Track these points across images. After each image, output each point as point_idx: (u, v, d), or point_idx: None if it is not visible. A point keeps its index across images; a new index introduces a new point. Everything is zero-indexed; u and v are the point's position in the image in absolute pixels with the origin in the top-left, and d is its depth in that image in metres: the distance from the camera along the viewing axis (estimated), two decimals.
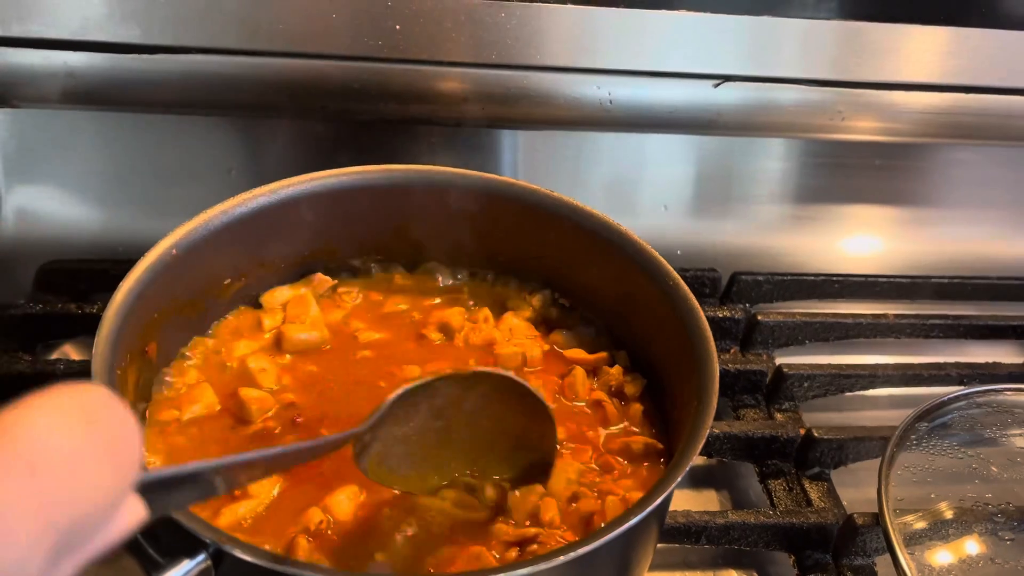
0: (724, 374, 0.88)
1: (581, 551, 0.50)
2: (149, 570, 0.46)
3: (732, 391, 0.89)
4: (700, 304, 0.94)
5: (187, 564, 0.48)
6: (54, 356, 0.84)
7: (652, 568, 0.76)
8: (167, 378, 0.66)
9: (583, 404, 0.70)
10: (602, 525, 0.58)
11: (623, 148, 1.03)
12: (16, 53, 0.81)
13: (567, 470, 0.63)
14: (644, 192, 1.06)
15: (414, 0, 0.80)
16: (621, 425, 0.68)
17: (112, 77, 0.84)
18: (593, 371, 0.73)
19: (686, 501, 0.85)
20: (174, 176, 0.96)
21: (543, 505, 0.61)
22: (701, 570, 0.78)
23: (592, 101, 0.89)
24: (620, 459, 0.65)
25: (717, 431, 0.81)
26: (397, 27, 0.81)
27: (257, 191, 0.70)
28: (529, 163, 1.02)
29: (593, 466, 0.65)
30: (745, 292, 0.98)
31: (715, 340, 0.92)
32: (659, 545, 0.75)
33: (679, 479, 0.54)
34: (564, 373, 0.72)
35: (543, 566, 0.50)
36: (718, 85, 0.88)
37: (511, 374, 0.60)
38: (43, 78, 0.84)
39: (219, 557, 0.48)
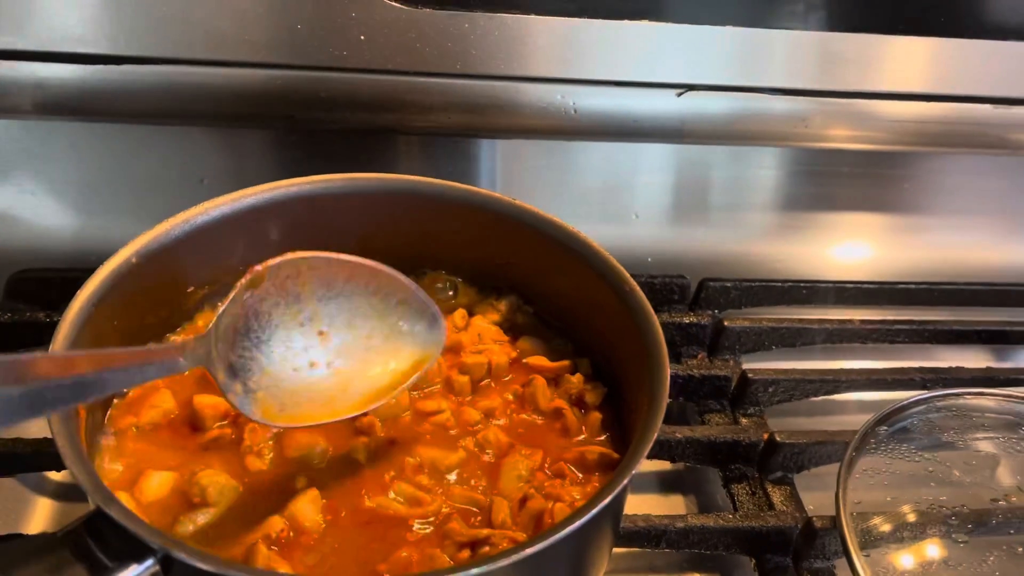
0: (690, 379, 0.89)
1: (531, 550, 0.51)
2: (95, 573, 0.47)
3: (698, 396, 0.89)
4: (669, 310, 0.96)
5: (134, 568, 0.48)
6: None
7: (617, 572, 0.77)
8: None
9: (542, 416, 0.71)
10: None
11: (596, 157, 1.04)
12: None
13: (518, 467, 0.65)
14: (616, 200, 1.07)
15: (379, 11, 0.81)
16: (578, 436, 0.69)
17: (82, 88, 0.85)
18: (555, 379, 0.73)
19: (653, 506, 0.85)
20: (146, 185, 0.97)
21: (495, 507, 0.61)
22: (667, 574, 0.79)
23: (557, 110, 0.90)
24: (573, 468, 0.66)
25: (681, 436, 0.82)
26: (362, 37, 0.82)
27: (219, 200, 0.71)
28: (504, 171, 1.03)
29: (545, 470, 0.66)
30: (713, 298, 0.99)
31: (683, 346, 0.94)
32: (623, 550, 0.76)
33: (627, 480, 0.55)
34: (526, 382, 0.72)
35: (493, 566, 0.51)
36: (681, 94, 0.89)
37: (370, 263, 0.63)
38: (13, 89, 0.85)
39: (167, 562, 0.49)
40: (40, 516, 0.77)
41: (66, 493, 0.79)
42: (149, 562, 0.49)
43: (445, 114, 0.88)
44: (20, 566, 0.46)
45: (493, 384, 0.73)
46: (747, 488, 0.81)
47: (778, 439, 0.81)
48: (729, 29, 0.87)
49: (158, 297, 0.70)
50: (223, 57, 0.82)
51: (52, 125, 0.93)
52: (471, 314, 0.78)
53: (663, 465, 0.87)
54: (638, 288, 0.68)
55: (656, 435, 0.56)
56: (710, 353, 0.95)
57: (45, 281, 0.90)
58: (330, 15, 0.81)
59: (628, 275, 0.69)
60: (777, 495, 0.80)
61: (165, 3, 0.80)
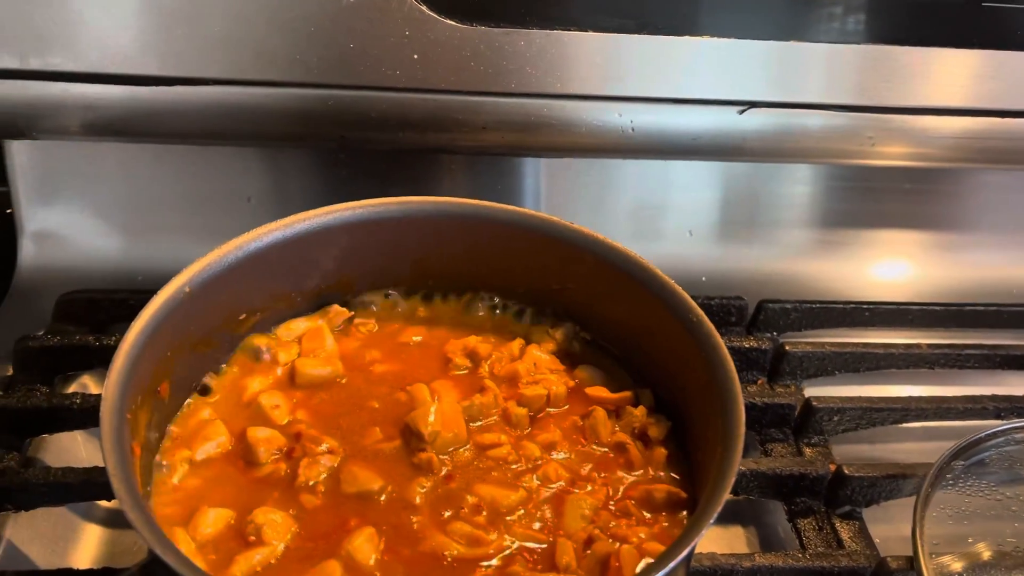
0: (751, 408, 0.86)
1: None
2: None
3: (759, 425, 0.86)
4: (726, 333, 0.93)
5: None
6: (72, 388, 0.84)
7: None
8: (179, 416, 0.66)
9: (605, 449, 0.68)
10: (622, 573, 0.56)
11: (647, 174, 1.01)
12: (36, 86, 0.81)
13: (581, 505, 0.62)
14: (669, 218, 1.04)
15: (433, 29, 0.79)
16: (641, 471, 0.66)
17: (131, 109, 0.84)
18: (616, 411, 0.71)
19: (712, 541, 0.82)
20: (193, 206, 0.96)
21: (559, 548, 0.59)
22: None
23: (614, 129, 0.87)
24: (639, 507, 0.63)
25: (744, 468, 0.78)
26: (415, 56, 0.80)
27: (271, 226, 0.69)
28: (552, 190, 1.01)
29: (610, 507, 0.63)
30: (772, 320, 0.96)
31: (741, 371, 0.91)
32: None
33: (704, 531, 0.52)
34: (585, 414, 0.70)
35: None
36: (743, 111, 0.86)
37: None
38: (63, 110, 0.84)
39: None
40: (89, 545, 0.76)
41: (115, 521, 0.78)
42: None
43: (498, 134, 0.86)
44: None
45: (551, 416, 0.70)
46: (814, 523, 0.78)
47: (847, 472, 0.78)
48: (793, 44, 0.84)
49: (209, 325, 0.68)
50: (274, 77, 0.81)
51: (100, 146, 0.92)
52: (528, 341, 0.76)
53: None
54: (705, 318, 0.65)
55: (733, 480, 0.54)
56: (770, 379, 0.91)
57: (93, 302, 0.89)
58: (383, 34, 0.79)
59: (694, 303, 0.66)
60: (846, 531, 0.77)
61: (216, 24, 0.78)
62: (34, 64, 0.79)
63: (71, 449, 0.79)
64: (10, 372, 0.83)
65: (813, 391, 0.89)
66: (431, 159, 0.97)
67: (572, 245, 0.73)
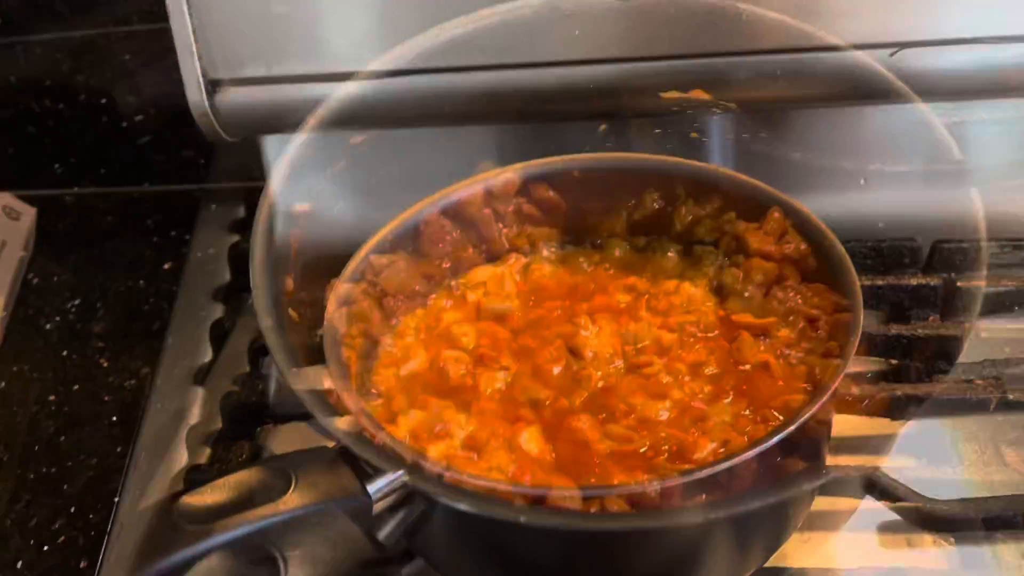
0: None
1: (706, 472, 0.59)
2: (358, 475, 0.60)
3: None
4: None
5: (389, 476, 0.61)
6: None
7: None
8: (389, 341, 0.82)
9: (749, 368, 0.75)
10: None
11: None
12: (278, 89, 1.01)
13: (722, 414, 0.70)
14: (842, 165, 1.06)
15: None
16: (783, 384, 0.73)
17: (351, 102, 1.01)
18: (764, 335, 0.78)
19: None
20: (414, 184, 1.11)
21: (697, 445, 0.68)
22: None
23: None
24: (778, 414, 0.70)
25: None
26: (576, 32, 0.91)
27: (452, 188, 0.84)
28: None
29: (750, 416, 0.71)
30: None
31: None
32: None
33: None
34: (732, 338, 0.77)
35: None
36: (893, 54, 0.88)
37: None
38: (301, 108, 1.03)
39: (416, 471, 0.61)
40: None
41: None
42: (400, 472, 0.61)
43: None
44: (307, 464, 0.60)
45: (700, 340, 0.78)
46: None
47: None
48: None
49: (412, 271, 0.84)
50: (460, 64, 0.95)
51: (335, 135, 1.10)
52: (682, 280, 0.84)
53: None
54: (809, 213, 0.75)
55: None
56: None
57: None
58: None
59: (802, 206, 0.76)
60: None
61: (408, 24, 0.93)
62: (276, 71, 0.99)
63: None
64: None
65: None
66: (633, 126, 1.05)
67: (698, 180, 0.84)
